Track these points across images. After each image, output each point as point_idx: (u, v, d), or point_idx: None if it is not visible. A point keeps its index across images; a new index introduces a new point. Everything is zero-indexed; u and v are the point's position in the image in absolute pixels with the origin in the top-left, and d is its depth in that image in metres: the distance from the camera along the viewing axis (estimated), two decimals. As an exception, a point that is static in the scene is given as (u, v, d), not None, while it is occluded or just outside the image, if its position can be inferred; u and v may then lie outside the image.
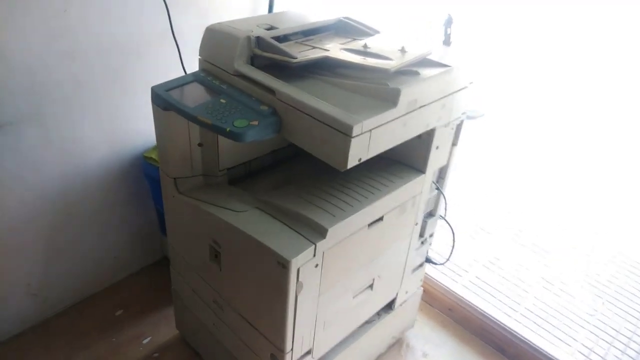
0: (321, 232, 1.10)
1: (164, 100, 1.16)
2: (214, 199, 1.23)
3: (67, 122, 1.49)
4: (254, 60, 1.18)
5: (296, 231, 1.10)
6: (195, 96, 1.18)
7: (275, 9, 1.77)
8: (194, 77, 1.23)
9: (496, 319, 1.80)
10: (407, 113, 1.09)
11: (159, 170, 1.36)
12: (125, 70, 1.56)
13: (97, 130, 1.57)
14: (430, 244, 1.58)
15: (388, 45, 1.20)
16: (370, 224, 1.22)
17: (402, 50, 1.16)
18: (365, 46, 1.19)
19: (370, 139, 1.02)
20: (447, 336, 1.83)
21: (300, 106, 1.04)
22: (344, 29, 1.35)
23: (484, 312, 1.82)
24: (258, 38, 1.17)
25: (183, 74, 1.46)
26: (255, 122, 1.07)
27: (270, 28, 1.23)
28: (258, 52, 1.16)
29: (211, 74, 1.22)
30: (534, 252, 2.30)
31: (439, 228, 1.56)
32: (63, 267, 1.69)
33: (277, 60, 1.13)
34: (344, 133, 0.97)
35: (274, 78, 1.11)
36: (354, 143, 0.98)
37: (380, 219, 1.24)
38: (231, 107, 1.11)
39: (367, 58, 1.13)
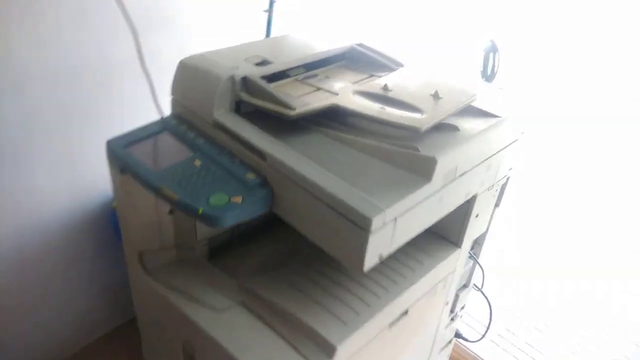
0: (327, 351, 0.81)
1: (121, 160, 0.88)
2: (188, 285, 0.95)
3: (16, 168, 1.22)
4: (239, 106, 0.90)
5: (293, 347, 0.82)
6: (163, 154, 0.90)
7: (274, 31, 1.48)
8: (164, 126, 0.94)
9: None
10: (444, 186, 0.80)
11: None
12: (86, 105, 1.28)
13: (54, 177, 1.29)
14: (461, 316, 1.29)
15: (416, 87, 0.91)
16: (391, 323, 0.93)
17: (436, 97, 0.87)
18: (385, 88, 0.90)
19: (395, 229, 0.73)
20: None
21: (299, 180, 0.75)
22: (357, 61, 1.06)
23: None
24: (245, 79, 0.88)
25: (156, 111, 1.19)
26: (238, 199, 0.79)
27: (263, 62, 0.95)
28: (245, 97, 0.88)
29: (186, 120, 0.94)
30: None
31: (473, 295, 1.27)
32: (20, 332, 1.42)
33: (269, 111, 0.85)
34: (360, 227, 0.69)
35: (264, 134, 0.82)
36: (373, 239, 0.70)
37: (405, 312, 0.96)
38: (207, 174, 0.83)
39: (386, 108, 0.84)
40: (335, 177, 0.74)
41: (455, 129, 0.85)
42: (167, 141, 0.92)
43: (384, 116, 0.81)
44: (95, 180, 1.37)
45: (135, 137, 0.92)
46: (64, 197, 1.34)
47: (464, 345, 1.60)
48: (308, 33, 1.12)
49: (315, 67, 1.01)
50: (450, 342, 1.31)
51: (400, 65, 1.02)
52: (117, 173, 0.92)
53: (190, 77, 0.92)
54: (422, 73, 0.97)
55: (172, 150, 0.90)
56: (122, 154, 0.89)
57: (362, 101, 0.87)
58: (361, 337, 0.85)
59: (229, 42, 1.46)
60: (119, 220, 1.03)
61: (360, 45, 1.07)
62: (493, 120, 0.89)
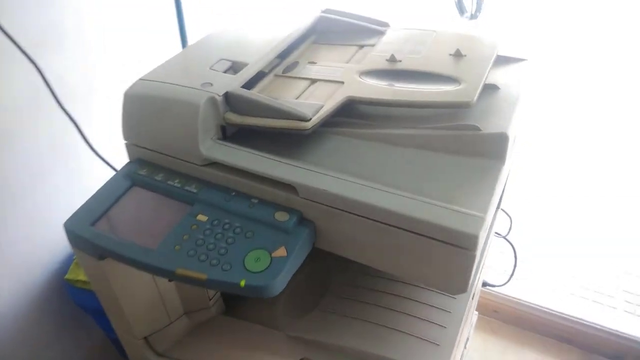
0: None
1: (97, 245, 0.65)
2: (227, 356, 0.77)
3: None
4: (224, 130, 0.70)
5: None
6: (149, 218, 0.68)
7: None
8: (130, 180, 0.72)
9: (553, 309, 1.53)
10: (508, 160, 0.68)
11: (96, 294, 0.86)
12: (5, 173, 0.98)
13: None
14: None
15: (427, 50, 0.76)
16: (467, 314, 0.83)
17: (458, 55, 0.73)
18: (392, 59, 0.74)
19: (488, 232, 0.61)
20: (503, 341, 1.55)
21: (358, 208, 0.59)
22: (331, 32, 0.88)
23: (537, 305, 1.54)
24: (227, 95, 0.68)
25: (91, 154, 0.93)
26: (282, 251, 0.61)
27: (233, 65, 0.74)
28: (234, 118, 0.68)
29: (157, 166, 0.72)
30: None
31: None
32: None
33: (275, 129, 0.66)
34: (462, 247, 0.55)
35: (278, 158, 0.64)
36: (477, 255, 0.57)
37: (472, 296, 0.86)
38: (224, 230, 0.64)
39: (410, 85, 0.69)
40: (398, 191, 0.59)
41: (494, 88, 0.72)
42: (146, 199, 0.70)
43: (420, 98, 0.66)
44: (29, 260, 1.09)
45: (99, 206, 0.69)
46: (2, 292, 1.05)
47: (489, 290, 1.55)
48: (241, 20, 0.91)
49: (288, 54, 0.82)
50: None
51: (385, 25, 0.86)
52: (93, 260, 0.69)
53: (150, 111, 0.69)
54: (418, 29, 0.82)
55: (159, 211, 0.69)
56: (94, 235, 0.66)
57: (376, 84, 0.71)
58: (456, 348, 0.74)
59: (140, 45, 1.20)
60: (105, 309, 0.80)
61: (327, 11, 0.89)
62: (522, 65, 0.77)
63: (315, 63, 0.79)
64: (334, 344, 0.74)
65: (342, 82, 0.72)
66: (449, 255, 0.56)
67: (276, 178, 0.63)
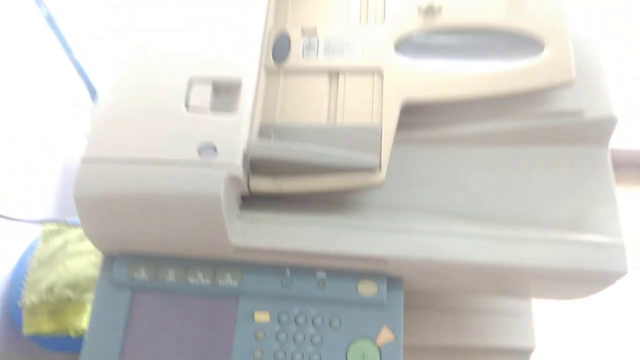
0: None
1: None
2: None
3: None
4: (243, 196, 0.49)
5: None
6: (187, 343, 0.51)
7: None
8: (128, 289, 0.50)
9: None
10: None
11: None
12: None
13: None
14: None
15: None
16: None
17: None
18: (429, 9, 0.52)
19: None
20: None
21: (465, 268, 0.47)
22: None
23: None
24: (249, 160, 0.44)
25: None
26: (388, 335, 0.50)
27: (216, 89, 0.47)
28: (264, 187, 0.46)
29: (158, 258, 0.50)
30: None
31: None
32: None
33: (329, 191, 0.46)
34: (602, 282, 0.48)
35: (341, 223, 0.47)
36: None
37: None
38: (299, 326, 0.50)
39: (470, 62, 0.50)
40: (510, 232, 0.47)
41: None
42: (166, 312, 0.51)
43: (505, 86, 0.48)
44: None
45: (109, 345, 0.49)
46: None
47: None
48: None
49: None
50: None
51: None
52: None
53: (137, 215, 0.44)
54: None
55: (196, 324, 0.50)
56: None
57: (431, 69, 0.50)
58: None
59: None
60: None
61: None
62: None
63: (315, 31, 0.53)
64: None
65: (381, 69, 0.50)
66: (584, 287, 0.49)
67: (360, 256, 0.47)
